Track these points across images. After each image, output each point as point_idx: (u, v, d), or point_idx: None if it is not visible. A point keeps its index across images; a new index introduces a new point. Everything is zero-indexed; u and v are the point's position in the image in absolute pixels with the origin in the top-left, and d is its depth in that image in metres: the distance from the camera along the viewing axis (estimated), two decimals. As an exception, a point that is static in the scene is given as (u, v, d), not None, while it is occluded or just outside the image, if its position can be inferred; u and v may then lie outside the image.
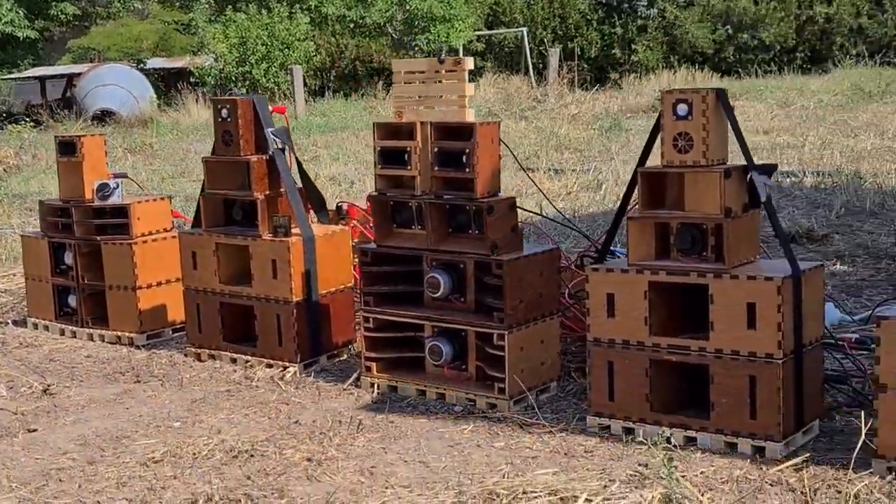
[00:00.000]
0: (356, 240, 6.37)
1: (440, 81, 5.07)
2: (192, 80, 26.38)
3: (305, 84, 24.98)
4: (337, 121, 20.91)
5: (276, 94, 25.58)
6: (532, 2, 31.76)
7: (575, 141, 15.76)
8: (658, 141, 4.57)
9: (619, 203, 5.08)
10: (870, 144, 13.45)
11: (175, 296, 6.50)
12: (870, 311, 6.01)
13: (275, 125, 5.83)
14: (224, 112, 5.75)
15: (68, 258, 6.75)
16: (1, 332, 6.93)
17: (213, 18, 27.54)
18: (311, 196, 6.02)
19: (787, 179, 10.87)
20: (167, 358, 6.19)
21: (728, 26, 30.52)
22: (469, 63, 4.98)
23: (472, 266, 5.11)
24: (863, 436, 3.90)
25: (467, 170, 4.93)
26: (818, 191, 10.28)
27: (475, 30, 29.82)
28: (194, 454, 4.57)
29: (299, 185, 5.95)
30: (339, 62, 31.95)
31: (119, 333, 6.55)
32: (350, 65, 32.23)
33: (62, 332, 6.82)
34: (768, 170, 4.46)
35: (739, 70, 29.25)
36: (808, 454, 4.20)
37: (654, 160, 4.73)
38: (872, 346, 5.28)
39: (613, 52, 31.42)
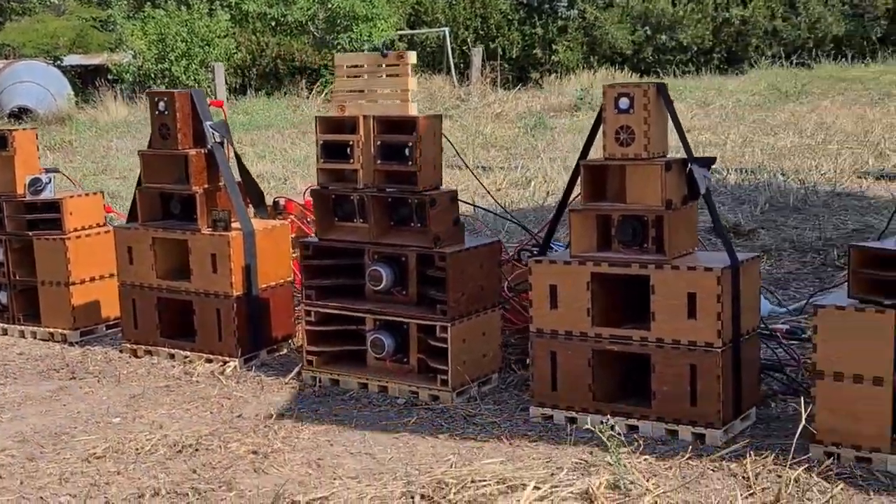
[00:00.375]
0: (293, 235, 6.35)
1: (383, 76, 5.08)
2: (109, 77, 25.92)
3: (226, 82, 24.71)
4: (261, 119, 20.73)
5: (198, 93, 25.31)
6: (454, 2, 31.81)
7: (501, 139, 15.85)
8: (599, 134, 4.63)
9: (557, 196, 5.14)
10: (789, 143, 13.73)
11: (108, 291, 6.44)
12: (801, 302, 6.17)
13: (213, 118, 5.79)
14: (161, 105, 5.70)
15: (-2, 254, 6.63)
16: (-73, 330, 6.78)
17: (131, 15, 27.08)
18: (250, 190, 5.99)
19: (713, 176, 11.07)
20: (102, 354, 6.12)
21: (647, 27, 30.93)
22: (412, 57, 5.01)
23: (415, 259, 5.14)
24: (803, 421, 4.00)
25: (410, 163, 4.96)
26: (741, 187, 10.49)
27: (397, 29, 29.76)
28: (137, 449, 4.53)
29: (238, 178, 5.92)
30: (261, 60, 31.69)
31: (52, 330, 6.45)
32: (271, 63, 31.96)
33: (-8, 330, 6.71)
34: (707, 162, 4.56)
35: (658, 70, 29.69)
36: (747, 440, 4.31)
37: (594, 154, 4.78)
38: (803, 336, 5.46)
39: (534, 52, 31.64)
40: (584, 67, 29.89)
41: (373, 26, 28.13)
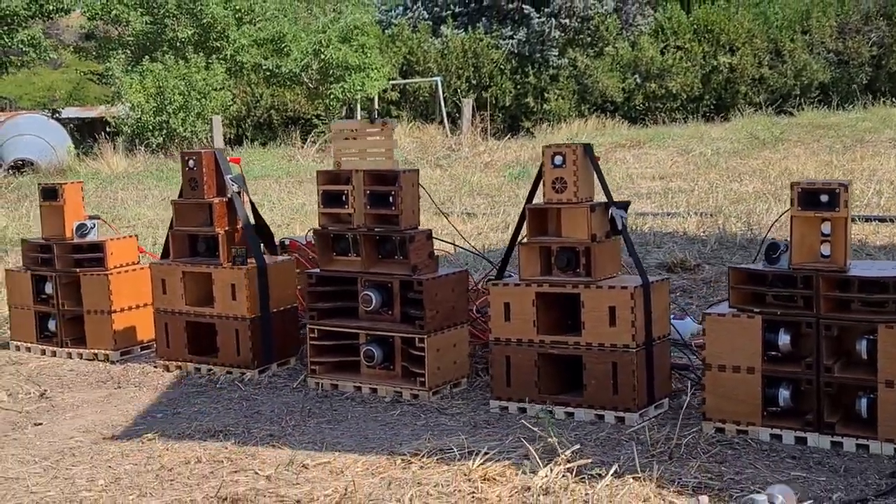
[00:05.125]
0: (297, 269, 7.57)
1: (371, 137, 6.35)
2: (108, 129, 26.39)
3: (222, 133, 25.46)
4: (257, 169, 21.61)
5: (194, 144, 25.96)
6: (446, 52, 32.24)
7: (487, 187, 17.10)
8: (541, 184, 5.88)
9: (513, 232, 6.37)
10: (752, 188, 14.90)
11: (143, 318, 7.67)
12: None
13: (232, 172, 7.04)
14: (191, 162, 6.97)
15: (48, 288, 7.83)
16: (-13, 354, 7.99)
17: (129, 69, 27.49)
18: (262, 231, 7.22)
19: (673, 220, 12.31)
20: (140, 369, 7.32)
21: (637, 75, 31.76)
22: (394, 125, 6.27)
23: (398, 285, 6.37)
24: (687, 398, 5.22)
25: (393, 208, 6.21)
26: (698, 228, 11.71)
27: (390, 79, 30.45)
28: (179, 434, 5.72)
29: (252, 221, 7.15)
30: (255, 111, 32.55)
31: (96, 351, 7.66)
32: (266, 113, 32.82)
33: (43, 352, 7.89)
34: (624, 205, 5.81)
35: (647, 118, 30.66)
36: (653, 420, 5.52)
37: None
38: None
39: (526, 100, 32.20)
40: (575, 116, 30.79)
41: (366, 76, 28.68)
